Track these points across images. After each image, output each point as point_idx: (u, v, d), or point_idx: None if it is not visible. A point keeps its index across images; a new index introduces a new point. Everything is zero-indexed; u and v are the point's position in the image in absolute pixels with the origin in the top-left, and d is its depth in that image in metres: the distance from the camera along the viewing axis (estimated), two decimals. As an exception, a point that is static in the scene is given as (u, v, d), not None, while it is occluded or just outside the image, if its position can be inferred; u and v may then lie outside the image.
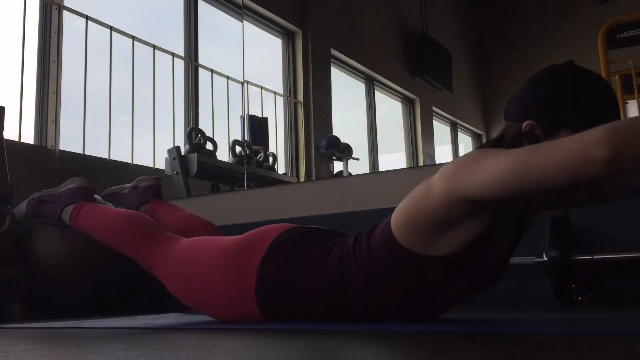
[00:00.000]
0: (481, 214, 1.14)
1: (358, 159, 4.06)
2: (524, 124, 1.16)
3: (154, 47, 3.55)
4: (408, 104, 4.36)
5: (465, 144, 4.40)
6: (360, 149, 4.15)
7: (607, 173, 0.93)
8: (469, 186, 1.08)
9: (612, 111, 1.15)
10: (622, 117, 1.23)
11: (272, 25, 4.03)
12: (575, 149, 0.96)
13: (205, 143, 3.51)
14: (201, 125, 3.74)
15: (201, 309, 1.54)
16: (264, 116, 3.88)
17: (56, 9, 3.04)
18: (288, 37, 4.05)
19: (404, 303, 1.27)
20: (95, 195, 1.94)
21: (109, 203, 2.08)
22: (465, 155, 1.13)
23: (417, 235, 1.18)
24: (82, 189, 1.78)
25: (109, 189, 2.03)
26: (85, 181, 1.81)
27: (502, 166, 1.04)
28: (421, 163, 4.21)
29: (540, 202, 1.24)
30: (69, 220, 1.74)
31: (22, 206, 2.37)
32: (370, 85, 4.33)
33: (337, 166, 4.04)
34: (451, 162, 1.15)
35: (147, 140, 3.48)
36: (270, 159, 3.81)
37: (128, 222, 1.63)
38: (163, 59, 3.62)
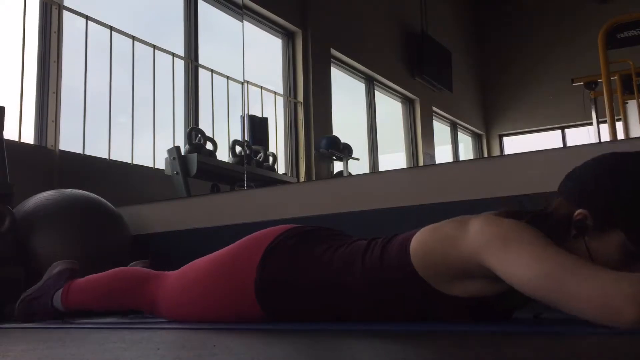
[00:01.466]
0: (502, 281, 1.10)
1: (358, 159, 4.06)
2: (577, 212, 1.09)
3: (154, 47, 3.56)
4: (408, 104, 4.36)
5: (465, 144, 4.40)
6: (360, 149, 4.15)
7: (631, 329, 0.91)
8: (497, 264, 1.05)
9: None
10: None
11: (272, 25, 4.03)
12: (610, 295, 0.93)
13: (205, 143, 3.51)
14: (201, 125, 3.74)
15: (202, 319, 1.54)
16: (264, 116, 3.88)
17: (56, 9, 3.04)
18: (288, 37, 4.05)
19: (403, 317, 1.26)
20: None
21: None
22: (506, 224, 1.08)
23: (435, 270, 1.17)
24: (65, 271, 1.79)
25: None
26: (66, 262, 1.81)
27: (534, 269, 1.00)
28: (421, 163, 4.21)
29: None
30: (62, 304, 1.72)
31: (22, 206, 2.37)
32: (370, 85, 4.33)
33: (337, 166, 4.04)
34: (491, 222, 1.09)
35: (147, 140, 3.48)
36: (270, 159, 3.81)
37: (115, 278, 1.66)
38: (163, 59, 3.62)
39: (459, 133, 4.39)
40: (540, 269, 1.00)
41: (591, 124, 3.72)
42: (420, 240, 1.19)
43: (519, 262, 1.02)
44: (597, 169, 1.12)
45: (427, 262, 1.17)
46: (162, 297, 1.55)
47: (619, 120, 3.37)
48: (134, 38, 3.46)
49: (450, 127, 4.41)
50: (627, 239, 1.05)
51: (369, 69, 4.30)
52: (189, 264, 1.57)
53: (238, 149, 3.67)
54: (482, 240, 1.08)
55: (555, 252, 1.02)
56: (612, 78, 3.13)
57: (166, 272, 1.61)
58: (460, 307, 1.18)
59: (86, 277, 1.75)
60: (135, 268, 1.70)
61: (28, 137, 2.90)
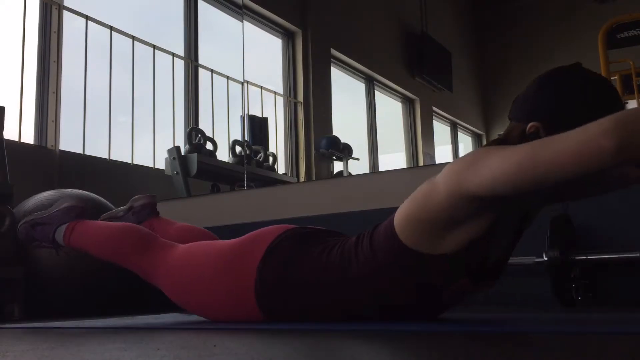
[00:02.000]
0: (485, 213, 1.14)
1: (358, 159, 4.06)
2: (529, 126, 1.16)
3: (154, 47, 3.56)
4: (408, 104, 4.36)
5: (465, 144, 4.40)
6: (360, 149, 4.14)
7: (616, 162, 0.95)
8: (475, 183, 1.08)
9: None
10: None
11: (272, 25, 4.03)
12: (584, 140, 0.97)
13: (205, 143, 3.51)
14: (201, 125, 3.74)
15: (201, 313, 1.54)
16: (264, 116, 3.88)
17: (56, 9, 3.04)
18: (288, 37, 4.05)
19: (405, 302, 1.27)
20: None
21: None
22: (470, 153, 1.13)
23: (420, 234, 1.19)
24: (74, 208, 1.78)
25: (104, 214, 2.00)
26: (77, 200, 1.81)
27: (508, 161, 1.04)
28: (421, 163, 4.21)
29: (542, 198, 1.24)
30: (63, 240, 1.72)
31: (22, 206, 2.37)
32: (370, 85, 4.33)
33: (337, 166, 4.04)
34: (455, 160, 1.15)
35: (147, 140, 3.48)
36: (270, 159, 3.81)
37: (122, 233, 1.63)
38: (163, 59, 3.62)
39: (459, 133, 4.39)
40: (511, 161, 1.04)
41: (591, 124, 3.71)
42: (401, 212, 1.23)
43: (492, 169, 1.06)
44: (535, 83, 1.20)
45: (412, 228, 1.20)
46: (163, 269, 1.52)
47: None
48: (134, 38, 3.46)
49: (450, 127, 4.41)
50: None
51: (369, 69, 4.30)
52: (196, 245, 1.54)
53: (238, 149, 3.67)
54: (455, 176, 1.12)
55: (517, 146, 1.06)
56: (612, 78, 3.13)
57: (171, 248, 1.57)
58: (454, 263, 1.19)
59: (94, 222, 1.74)
60: (143, 231, 1.65)
61: (28, 137, 2.90)
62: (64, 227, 1.72)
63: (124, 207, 1.98)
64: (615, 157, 0.94)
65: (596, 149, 0.95)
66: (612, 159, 0.95)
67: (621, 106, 1.16)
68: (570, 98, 1.15)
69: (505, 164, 1.04)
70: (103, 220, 1.89)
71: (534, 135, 1.14)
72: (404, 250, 1.20)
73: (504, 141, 1.18)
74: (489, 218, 1.15)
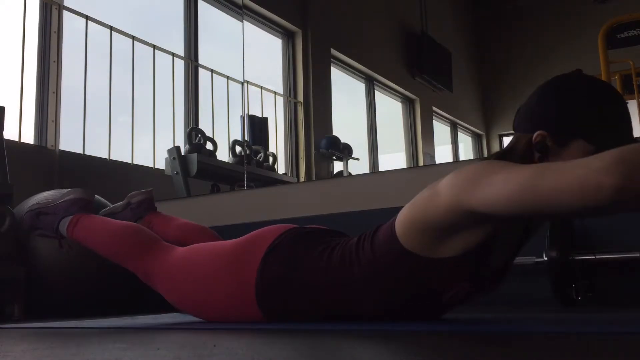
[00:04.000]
0: (485, 224, 1.13)
1: (358, 159, 4.06)
2: (535, 135, 1.14)
3: (154, 47, 3.55)
4: (408, 104, 4.36)
5: (465, 144, 4.40)
6: (360, 149, 4.14)
7: (615, 202, 0.91)
8: (476, 199, 1.06)
9: (624, 119, 1.14)
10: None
11: (272, 25, 4.02)
12: (584, 176, 0.93)
13: (205, 143, 3.51)
14: (201, 125, 3.74)
15: (200, 314, 1.54)
16: (264, 116, 3.88)
17: (56, 9, 3.04)
18: (288, 37, 4.05)
19: (405, 304, 1.27)
20: None
21: None
22: (474, 166, 1.11)
23: (421, 238, 1.18)
24: (80, 200, 1.78)
25: (102, 210, 2.00)
26: (84, 192, 1.80)
27: (510, 185, 1.01)
28: (421, 163, 4.21)
29: (544, 219, 1.23)
30: (66, 232, 1.72)
31: (22, 206, 2.37)
32: (370, 85, 4.33)
33: (337, 166, 4.03)
34: (459, 171, 1.13)
35: (147, 140, 3.48)
36: (270, 159, 3.81)
37: (124, 233, 1.63)
38: (163, 59, 3.62)
39: (459, 133, 4.39)
40: (514, 184, 1.01)
41: (591, 124, 3.71)
42: (403, 215, 1.22)
43: (494, 189, 1.04)
44: (538, 92, 1.18)
45: (412, 233, 1.19)
46: (162, 272, 1.52)
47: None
48: (134, 38, 3.46)
49: (450, 127, 4.41)
50: (588, 145, 1.09)
51: (369, 69, 4.30)
52: (195, 247, 1.54)
53: (238, 149, 3.67)
54: (457, 188, 1.10)
55: (521, 167, 1.04)
56: (612, 78, 3.13)
57: (171, 250, 1.56)
58: (455, 268, 1.19)
59: (98, 217, 1.74)
60: (146, 232, 1.65)
61: (28, 137, 2.90)
62: (68, 219, 1.72)
63: (121, 203, 1.98)
64: (613, 197, 0.90)
65: (594, 187, 0.91)
66: (610, 199, 0.91)
67: (626, 110, 1.14)
68: (576, 104, 1.13)
69: (508, 187, 1.02)
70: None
71: (541, 145, 1.13)
72: (404, 253, 1.20)
73: (510, 153, 1.17)
74: (488, 229, 1.14)
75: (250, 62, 3.77)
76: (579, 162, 0.96)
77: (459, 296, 1.25)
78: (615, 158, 0.91)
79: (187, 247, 1.56)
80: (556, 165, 1.00)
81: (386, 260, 1.23)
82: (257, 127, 3.83)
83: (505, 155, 1.17)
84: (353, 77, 4.32)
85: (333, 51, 4.15)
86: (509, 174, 1.03)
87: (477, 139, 4.25)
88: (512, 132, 1.23)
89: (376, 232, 1.29)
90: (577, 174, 0.94)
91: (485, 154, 4.32)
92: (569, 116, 1.12)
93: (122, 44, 3.40)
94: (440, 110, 4.40)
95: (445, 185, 1.13)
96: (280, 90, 4.01)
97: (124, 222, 1.71)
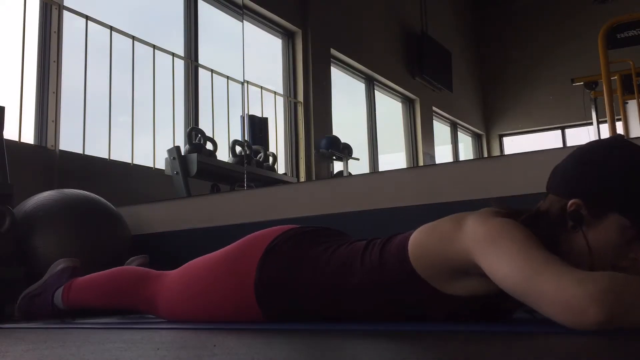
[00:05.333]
0: None
1: (358, 159, 4.06)
2: (570, 203, 1.10)
3: (154, 47, 3.56)
4: (408, 104, 4.36)
5: (465, 144, 4.40)
6: (360, 149, 4.15)
7: (595, 330, 0.91)
8: (481, 260, 1.06)
9: None
10: None
11: (272, 25, 4.03)
12: (573, 295, 0.92)
13: (205, 143, 3.51)
14: (201, 125, 3.74)
15: (204, 319, 1.54)
16: (264, 116, 3.88)
17: (56, 9, 3.04)
18: (288, 37, 4.05)
19: (400, 319, 1.26)
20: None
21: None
22: (496, 225, 1.08)
23: (433, 269, 1.17)
24: (67, 269, 1.79)
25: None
26: (69, 261, 1.81)
27: (511, 266, 1.00)
28: (421, 163, 4.21)
29: None
30: (62, 302, 1.72)
31: (22, 206, 2.37)
32: (370, 85, 4.33)
33: (337, 166, 4.04)
34: (482, 224, 1.09)
35: (147, 140, 3.48)
36: (270, 159, 3.81)
37: (115, 278, 1.66)
38: (163, 59, 3.62)
39: (459, 133, 4.39)
40: (514, 266, 1.00)
41: (591, 124, 3.72)
42: (418, 239, 1.19)
43: (500, 260, 1.03)
44: (581, 158, 1.13)
45: (425, 261, 1.17)
46: (161, 296, 1.54)
47: (619, 120, 3.37)
48: (134, 38, 3.46)
49: (450, 127, 4.41)
50: (624, 220, 1.06)
51: (369, 69, 4.30)
52: (189, 263, 1.56)
53: (238, 149, 3.67)
54: (473, 240, 1.08)
55: (532, 250, 1.01)
56: (612, 78, 3.13)
57: (166, 272, 1.60)
58: (461, 306, 1.18)
59: (87, 275, 1.75)
60: (135, 268, 1.70)
61: (28, 137, 2.90)
62: (60, 290, 1.73)
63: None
64: (595, 327, 0.90)
65: (580, 313, 0.91)
66: (591, 327, 0.90)
67: None
68: (613, 176, 1.08)
69: (509, 265, 1.01)
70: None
71: (576, 214, 1.09)
72: (413, 276, 1.18)
73: (543, 217, 1.13)
74: None
75: (250, 62, 3.77)
76: (578, 276, 0.94)
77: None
78: (606, 288, 0.91)
79: (181, 267, 1.57)
80: (557, 268, 0.97)
81: (392, 276, 1.21)
82: (257, 127, 3.83)
83: (537, 219, 1.13)
84: (353, 77, 4.32)
85: (333, 51, 4.16)
86: (518, 250, 1.01)
87: (477, 139, 4.25)
88: (545, 190, 1.18)
89: (389, 242, 1.26)
90: (567, 291, 0.93)
91: (485, 154, 4.32)
92: (606, 189, 1.08)
93: (122, 44, 3.40)
94: (440, 110, 4.40)
95: (466, 230, 1.10)
96: (280, 90, 4.01)
97: (108, 270, 1.72)
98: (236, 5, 3.86)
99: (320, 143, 3.96)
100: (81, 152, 3.08)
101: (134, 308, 1.65)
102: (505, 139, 4.28)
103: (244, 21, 3.80)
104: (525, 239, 1.04)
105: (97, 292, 1.68)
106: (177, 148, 3.34)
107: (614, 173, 1.08)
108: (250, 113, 3.80)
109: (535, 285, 0.97)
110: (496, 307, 1.21)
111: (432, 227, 1.19)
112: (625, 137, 1.16)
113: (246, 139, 3.76)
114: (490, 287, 1.12)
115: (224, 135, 3.79)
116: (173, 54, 3.66)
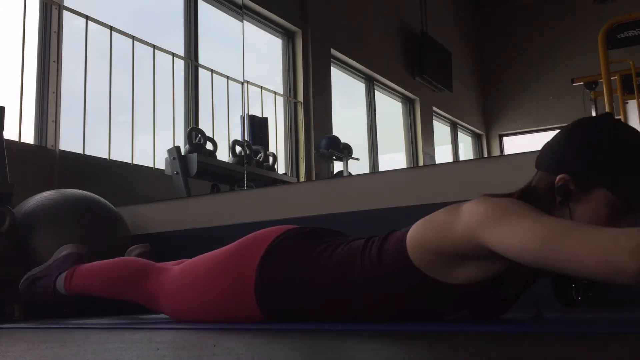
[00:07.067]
0: (498, 260, 1.11)
1: (358, 159, 4.06)
2: (558, 178, 1.12)
3: (154, 47, 3.55)
4: (408, 104, 4.36)
5: (465, 144, 4.40)
6: (360, 149, 4.15)
7: (636, 283, 0.91)
8: (491, 237, 1.05)
9: None
10: None
11: (272, 25, 4.03)
12: (609, 252, 0.92)
13: (205, 143, 3.51)
14: (201, 125, 3.74)
15: (203, 318, 1.54)
16: (264, 116, 3.88)
17: (56, 9, 3.04)
18: (288, 37, 4.05)
19: (402, 316, 1.26)
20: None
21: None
22: (498, 201, 1.09)
23: (432, 260, 1.17)
24: (72, 255, 1.78)
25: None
26: (74, 247, 1.81)
27: (531, 235, 1.00)
28: (421, 163, 4.21)
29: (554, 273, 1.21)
30: (64, 288, 1.71)
31: (22, 206, 2.37)
32: (370, 85, 4.33)
33: (337, 166, 4.04)
34: (482, 202, 1.10)
35: (147, 140, 3.48)
36: (270, 159, 3.81)
37: (121, 266, 1.67)
38: (163, 59, 3.62)
39: (459, 133, 4.39)
40: (536, 236, 1.00)
41: (591, 124, 3.71)
42: (416, 232, 1.20)
43: (514, 233, 1.03)
44: (568, 134, 1.16)
45: (423, 252, 1.18)
46: (162, 291, 1.54)
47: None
48: (134, 38, 3.46)
49: (450, 127, 4.41)
50: (611, 195, 1.08)
51: (369, 69, 4.30)
52: (189, 261, 1.56)
53: (238, 149, 3.67)
54: (476, 221, 1.08)
55: (548, 219, 1.02)
56: (612, 78, 3.13)
57: (168, 267, 1.60)
58: (460, 295, 1.18)
59: (90, 263, 1.75)
60: (139, 260, 1.69)
61: (28, 137, 2.90)
62: (63, 274, 1.72)
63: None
64: (634, 280, 0.91)
65: (618, 266, 0.91)
66: (630, 281, 0.91)
67: None
68: (602, 152, 1.10)
69: (528, 236, 1.00)
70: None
71: (564, 189, 1.11)
72: (412, 269, 1.19)
73: (532, 193, 1.15)
74: (502, 263, 1.12)
75: (250, 62, 3.77)
76: (606, 233, 0.95)
77: (457, 320, 1.24)
78: None
79: (183, 263, 1.57)
80: (582, 229, 0.97)
81: (392, 272, 1.22)
82: (257, 127, 3.83)
83: (527, 195, 1.15)
84: (353, 77, 4.32)
85: (333, 51, 4.16)
86: (533, 222, 1.01)
87: (477, 139, 4.25)
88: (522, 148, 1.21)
89: (386, 240, 1.27)
90: (602, 247, 0.93)
91: (485, 154, 4.33)
92: (593, 164, 1.10)
93: (122, 44, 3.40)
94: (440, 110, 4.40)
95: (464, 215, 1.11)
96: (280, 90, 4.01)
97: (112, 260, 1.72)
98: (236, 5, 3.86)
99: (320, 143, 3.96)
100: (81, 152, 3.08)
101: (133, 299, 1.63)
102: (505, 139, 4.29)
103: (244, 21, 3.80)
104: (532, 210, 1.05)
105: (99, 281, 1.67)
106: (177, 148, 3.34)
107: (600, 148, 1.10)
108: (250, 113, 3.80)
109: (562, 248, 0.97)
110: (497, 296, 1.21)
111: (427, 219, 1.20)
112: (613, 115, 1.17)
113: (246, 139, 3.76)
114: (490, 271, 1.13)
115: (224, 135, 3.79)
116: (173, 54, 3.66)
